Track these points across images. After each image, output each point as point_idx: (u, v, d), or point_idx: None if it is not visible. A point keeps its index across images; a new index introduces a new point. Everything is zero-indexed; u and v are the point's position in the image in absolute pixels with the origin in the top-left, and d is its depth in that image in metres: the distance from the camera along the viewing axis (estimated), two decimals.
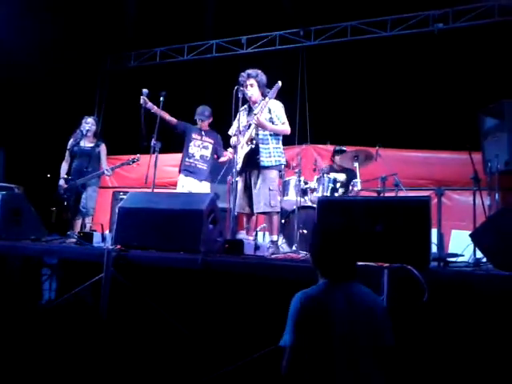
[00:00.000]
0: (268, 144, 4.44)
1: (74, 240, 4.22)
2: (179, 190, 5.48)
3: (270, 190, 4.35)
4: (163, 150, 5.16)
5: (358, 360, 2.01)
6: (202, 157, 5.53)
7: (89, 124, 5.68)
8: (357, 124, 7.11)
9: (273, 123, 4.45)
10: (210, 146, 5.58)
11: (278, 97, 4.51)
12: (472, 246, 3.26)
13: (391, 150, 6.49)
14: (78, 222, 5.52)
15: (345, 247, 2.14)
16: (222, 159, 5.55)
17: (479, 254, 3.20)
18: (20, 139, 7.58)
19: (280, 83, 4.29)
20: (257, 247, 3.31)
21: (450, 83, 6.63)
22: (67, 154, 5.69)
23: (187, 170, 5.51)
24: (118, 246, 3.29)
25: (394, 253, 2.65)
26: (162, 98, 4.99)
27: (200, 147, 5.55)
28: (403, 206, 2.79)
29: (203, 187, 5.50)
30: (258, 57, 8.10)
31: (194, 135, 5.55)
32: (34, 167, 7.79)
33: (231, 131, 4.72)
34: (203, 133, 5.58)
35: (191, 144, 5.54)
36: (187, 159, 5.52)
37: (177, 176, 5.79)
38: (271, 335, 2.74)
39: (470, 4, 6.77)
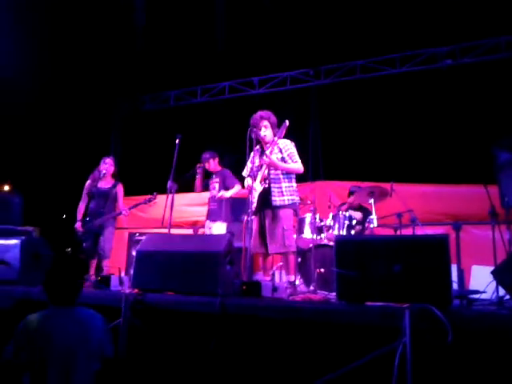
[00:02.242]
0: (280, 183, 4.44)
1: (91, 284, 4.24)
2: None
3: (283, 229, 4.32)
4: (179, 190, 5.23)
5: (73, 371, 2.41)
6: (212, 198, 5.80)
7: (107, 165, 5.74)
8: (370, 160, 7.14)
9: (285, 162, 4.48)
10: (217, 185, 5.79)
11: (291, 135, 4.56)
12: (494, 282, 3.20)
13: (406, 184, 6.47)
14: (93, 264, 5.54)
15: (61, 278, 2.57)
16: (228, 193, 5.57)
17: (502, 291, 3.13)
18: (36, 180, 7.74)
19: (287, 122, 4.32)
20: (274, 288, 3.28)
21: (462, 117, 6.66)
22: (84, 194, 5.74)
23: (207, 212, 5.86)
24: (136, 290, 3.30)
25: (414, 293, 2.61)
26: (177, 141, 5.08)
27: (211, 190, 5.86)
28: (421, 245, 2.76)
29: (216, 227, 5.60)
30: (270, 97, 8.27)
31: (209, 182, 5.92)
32: (49, 208, 7.92)
33: (245, 172, 4.77)
34: (214, 175, 5.89)
35: (209, 190, 5.90)
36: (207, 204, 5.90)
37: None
38: (292, 379, 2.69)
39: (477, 40, 6.89)
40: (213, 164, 5.87)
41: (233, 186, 5.65)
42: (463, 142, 6.51)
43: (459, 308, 2.84)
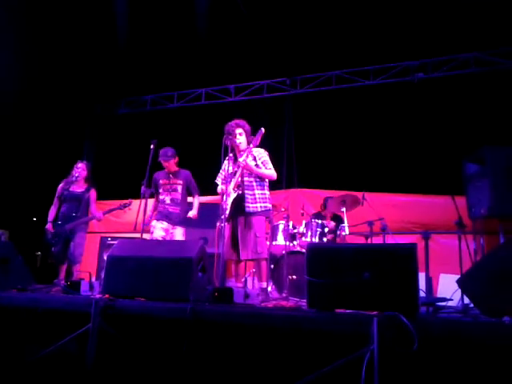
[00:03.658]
0: (253, 190, 4.50)
1: (60, 288, 4.16)
2: (154, 236, 5.25)
3: (256, 236, 4.37)
4: (152, 196, 5.20)
5: None
6: (172, 200, 5.35)
7: (79, 169, 5.70)
8: (343, 169, 7.25)
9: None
10: (180, 187, 5.40)
11: (266, 142, 4.60)
12: (460, 290, 3.29)
13: (378, 193, 6.61)
14: (63, 268, 5.45)
15: None
16: (196, 211, 5.30)
17: (467, 300, 3.23)
18: (6, 182, 7.56)
19: (263, 129, 4.37)
20: (246, 295, 3.30)
21: (433, 129, 6.84)
22: (56, 198, 5.66)
23: (160, 213, 5.34)
24: (106, 296, 3.26)
25: (382, 301, 2.66)
26: (152, 146, 5.06)
27: (169, 191, 5.38)
28: (390, 254, 2.81)
29: (176, 233, 5.30)
30: (245, 104, 8.32)
31: (161, 181, 5.44)
32: (19, 211, 7.74)
33: (218, 179, 4.78)
34: (171, 175, 5.43)
35: (161, 190, 5.43)
36: (160, 205, 5.40)
37: None
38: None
39: (448, 55, 7.11)
40: (172, 163, 5.43)
41: (195, 194, 5.45)
42: (433, 153, 6.68)
43: (426, 315, 2.91)
